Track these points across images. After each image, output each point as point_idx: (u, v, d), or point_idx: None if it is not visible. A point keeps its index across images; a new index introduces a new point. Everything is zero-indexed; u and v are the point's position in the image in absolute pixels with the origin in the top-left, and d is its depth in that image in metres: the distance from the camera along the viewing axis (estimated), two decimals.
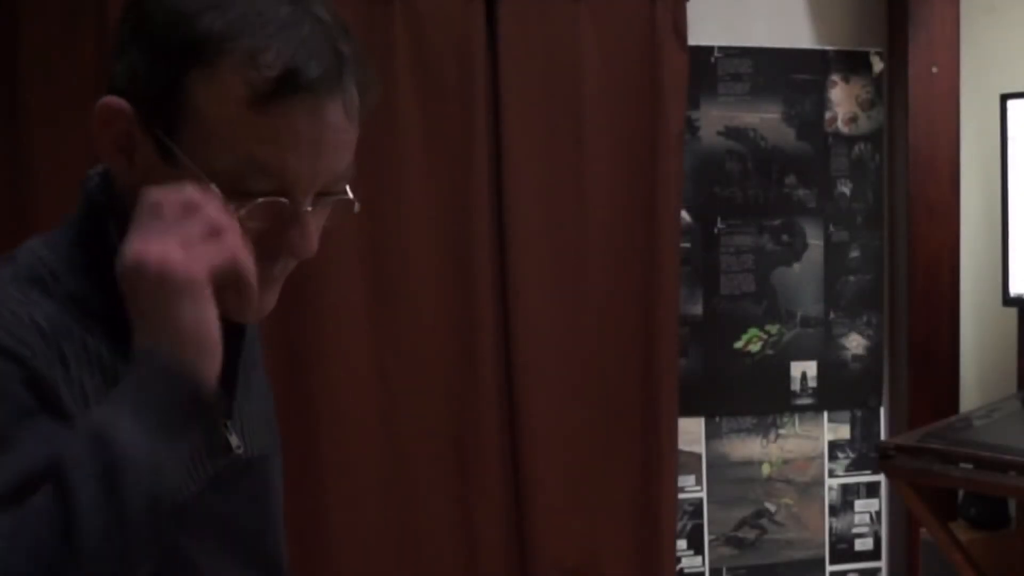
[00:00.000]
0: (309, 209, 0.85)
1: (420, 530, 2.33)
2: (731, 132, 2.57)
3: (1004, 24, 2.63)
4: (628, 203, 2.41)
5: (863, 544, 2.75)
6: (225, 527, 0.92)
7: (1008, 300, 2.44)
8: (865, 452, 2.70)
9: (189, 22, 0.80)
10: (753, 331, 2.62)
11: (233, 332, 0.94)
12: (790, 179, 2.61)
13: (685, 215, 2.53)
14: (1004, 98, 2.40)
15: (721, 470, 2.64)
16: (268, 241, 0.85)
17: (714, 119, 2.56)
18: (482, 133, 2.28)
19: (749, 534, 2.67)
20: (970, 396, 2.66)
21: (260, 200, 0.82)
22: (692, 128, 2.53)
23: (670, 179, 2.41)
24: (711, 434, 2.63)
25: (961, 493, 2.54)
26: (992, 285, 2.52)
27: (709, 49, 2.54)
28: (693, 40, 2.44)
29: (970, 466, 2.05)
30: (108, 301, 0.83)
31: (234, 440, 0.94)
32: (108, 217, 0.87)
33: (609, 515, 2.45)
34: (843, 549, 2.73)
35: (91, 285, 0.85)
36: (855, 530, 2.74)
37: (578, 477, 2.42)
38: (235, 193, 0.81)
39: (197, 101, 0.80)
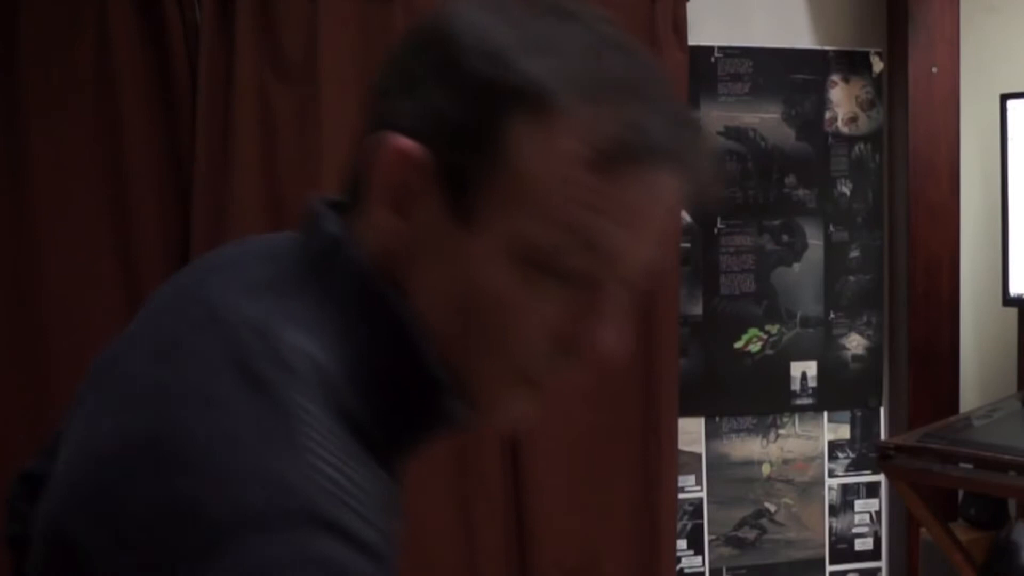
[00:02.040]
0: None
1: (420, 530, 2.33)
2: (731, 132, 2.57)
3: (1004, 24, 2.63)
4: None
5: (863, 544, 2.74)
6: None
7: (1008, 300, 2.44)
8: (865, 452, 2.70)
9: (516, 63, 0.66)
10: (753, 331, 2.62)
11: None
12: (790, 179, 2.61)
13: (685, 215, 2.53)
14: (1004, 98, 2.40)
15: (721, 470, 2.64)
16: (561, 333, 0.70)
17: (714, 119, 2.56)
18: None
19: (749, 534, 2.67)
20: (970, 396, 2.66)
21: (569, 280, 0.68)
22: None
23: None
24: (711, 434, 2.63)
25: (961, 493, 2.54)
26: (992, 285, 2.52)
27: (709, 49, 2.54)
28: (693, 40, 2.44)
29: (970, 466, 2.05)
30: (383, 429, 0.67)
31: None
32: (398, 304, 0.68)
33: (609, 515, 2.45)
34: (843, 549, 2.73)
35: (371, 405, 0.67)
36: (855, 530, 2.74)
37: (578, 477, 2.42)
38: (540, 268, 0.67)
39: (520, 155, 0.66)
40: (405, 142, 0.67)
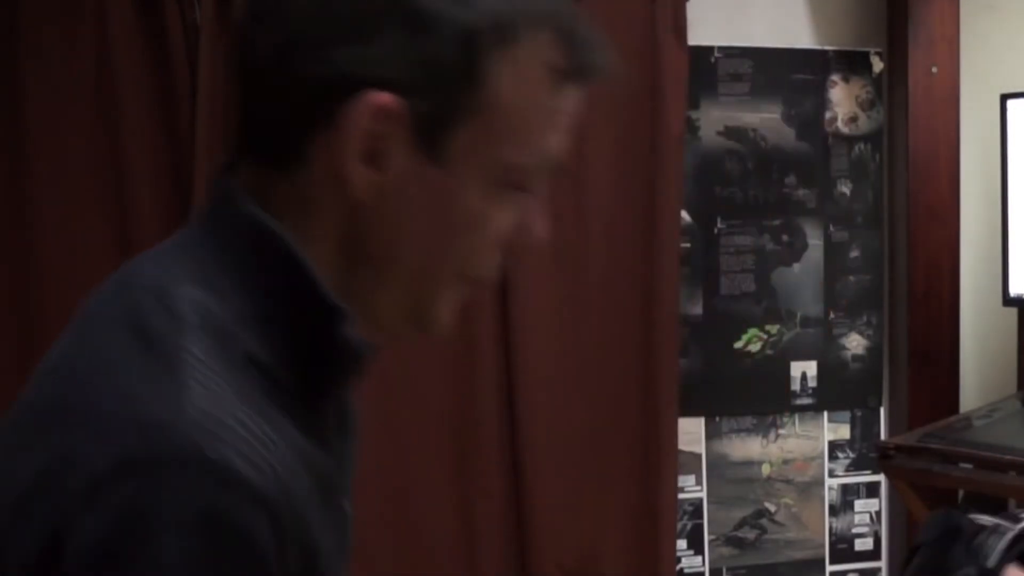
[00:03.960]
0: None
1: (420, 530, 2.33)
2: (731, 132, 2.57)
3: (1004, 24, 2.63)
4: (628, 203, 2.41)
5: (863, 544, 2.74)
6: None
7: (1008, 300, 2.44)
8: (865, 452, 2.70)
9: (481, 1, 0.68)
10: (753, 331, 2.62)
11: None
12: (790, 179, 2.61)
13: (685, 215, 2.53)
14: (1004, 98, 2.40)
15: (721, 470, 2.64)
16: (511, 234, 0.76)
17: (714, 119, 2.56)
18: None
19: (749, 534, 2.67)
20: (970, 396, 2.65)
21: (528, 189, 0.75)
22: (692, 128, 2.53)
23: (670, 179, 2.41)
24: (711, 434, 2.63)
25: (961, 493, 2.54)
26: (992, 285, 2.52)
27: (709, 49, 2.54)
28: (693, 40, 2.43)
29: (970, 466, 2.05)
30: (288, 368, 0.69)
31: (346, 505, 0.81)
32: (298, 262, 0.70)
33: (609, 515, 2.45)
34: (843, 549, 2.73)
35: (267, 346, 0.68)
36: (855, 530, 2.74)
37: (578, 477, 2.42)
38: (510, 186, 0.73)
39: (498, 89, 0.69)
40: (384, 98, 0.67)
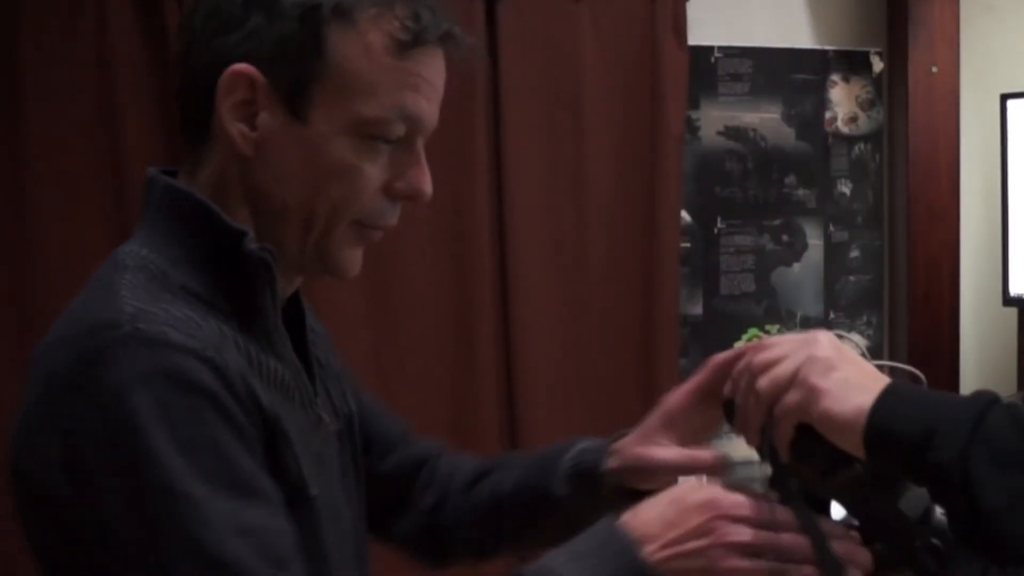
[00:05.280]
0: None
1: None
2: (731, 132, 2.57)
3: (1004, 24, 2.64)
4: (628, 203, 2.41)
5: None
6: (324, 500, 0.92)
7: (1008, 300, 2.45)
8: None
9: None
10: (753, 331, 2.62)
11: (299, 307, 0.99)
12: (790, 179, 2.61)
13: (685, 215, 2.53)
14: (1004, 98, 2.40)
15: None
16: (389, 185, 0.91)
17: (714, 119, 2.56)
18: (482, 133, 2.28)
19: None
20: None
21: (392, 143, 0.89)
22: (692, 128, 2.53)
23: (670, 179, 2.41)
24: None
25: None
26: (992, 285, 2.52)
27: (709, 49, 2.54)
28: (693, 40, 2.44)
29: None
30: (219, 293, 0.86)
31: (325, 416, 0.97)
32: (205, 205, 0.87)
33: None
34: None
35: (199, 278, 0.86)
36: None
37: None
38: (370, 137, 0.87)
39: (343, 56, 0.85)
40: (241, 67, 0.84)
